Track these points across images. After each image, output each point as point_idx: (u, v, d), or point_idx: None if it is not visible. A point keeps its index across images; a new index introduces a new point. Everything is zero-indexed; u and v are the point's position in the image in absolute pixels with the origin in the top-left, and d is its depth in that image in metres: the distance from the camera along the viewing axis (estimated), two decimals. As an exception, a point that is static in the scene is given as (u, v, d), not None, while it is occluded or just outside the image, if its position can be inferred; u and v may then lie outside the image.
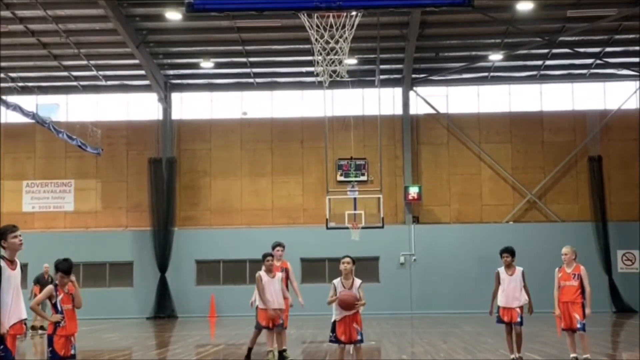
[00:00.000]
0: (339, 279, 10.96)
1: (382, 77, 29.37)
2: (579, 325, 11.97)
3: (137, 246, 30.86)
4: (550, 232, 29.16)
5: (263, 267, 13.36)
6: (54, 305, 8.71)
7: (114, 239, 30.97)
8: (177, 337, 22.28)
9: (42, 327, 21.74)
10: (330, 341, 11.02)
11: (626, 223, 30.29)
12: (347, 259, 10.94)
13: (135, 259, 30.95)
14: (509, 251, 12.75)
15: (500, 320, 12.83)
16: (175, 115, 32.11)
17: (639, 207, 30.64)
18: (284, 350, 13.54)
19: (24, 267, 8.49)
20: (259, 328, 13.44)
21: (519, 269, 12.74)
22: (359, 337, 10.87)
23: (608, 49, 29.47)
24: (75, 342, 8.96)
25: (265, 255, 13.44)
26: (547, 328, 18.55)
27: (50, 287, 8.81)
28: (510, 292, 12.67)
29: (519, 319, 12.62)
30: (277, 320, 13.25)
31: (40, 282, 23.15)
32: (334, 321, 10.86)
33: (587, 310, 12.00)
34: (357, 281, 10.98)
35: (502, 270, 12.81)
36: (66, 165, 31.84)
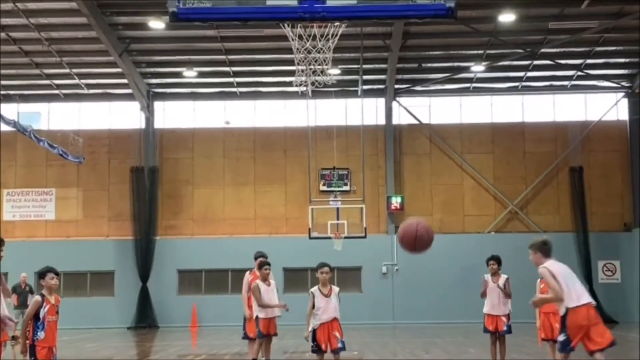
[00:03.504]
0: (316, 287, 11.04)
1: (365, 87, 29.46)
2: (560, 336, 12.01)
3: (118, 255, 30.71)
4: (532, 243, 29.24)
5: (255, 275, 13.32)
6: (37, 317, 8.63)
7: (95, 248, 30.80)
8: (159, 347, 22.18)
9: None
10: (313, 351, 11.00)
11: (607, 234, 30.49)
12: (326, 269, 11.02)
13: (116, 268, 30.79)
14: (495, 259, 12.85)
15: (486, 330, 12.86)
16: (158, 124, 32.04)
17: (619, 218, 30.90)
18: (269, 361, 13.49)
19: (5, 276, 8.47)
20: (261, 337, 13.22)
21: (503, 277, 12.82)
22: (339, 345, 10.91)
23: (589, 61, 29.70)
24: (56, 352, 8.91)
25: (263, 264, 13.17)
26: (529, 338, 18.61)
27: (37, 298, 8.75)
28: (495, 299, 12.73)
29: (505, 328, 12.66)
30: (273, 330, 13.24)
31: (17, 291, 22.93)
32: (314, 329, 10.86)
33: (569, 321, 12.03)
34: (335, 288, 11.09)
35: (488, 277, 12.90)
36: (47, 174, 31.65)
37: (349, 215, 27.76)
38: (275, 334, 13.34)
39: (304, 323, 11.05)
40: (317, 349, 10.86)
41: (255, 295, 12.98)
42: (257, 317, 13.09)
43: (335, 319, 10.95)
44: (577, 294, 8.44)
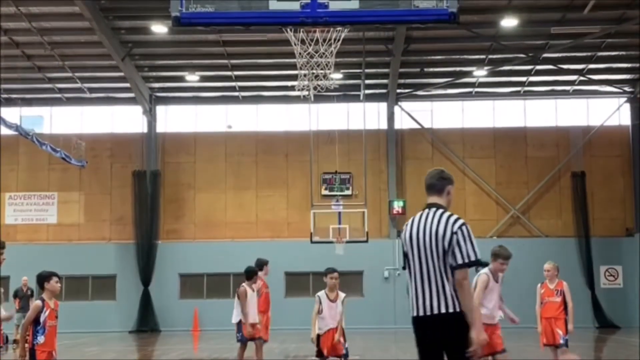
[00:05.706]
0: (323, 291, 10.99)
1: (367, 91, 29.44)
2: (561, 341, 12.01)
3: (120, 259, 30.71)
4: (534, 248, 29.19)
5: (248, 282, 13.34)
6: (37, 321, 8.64)
7: (97, 251, 30.80)
8: (160, 351, 22.17)
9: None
10: (317, 356, 11.00)
11: (609, 239, 30.46)
12: (336, 274, 11.02)
13: (118, 272, 30.79)
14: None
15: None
16: (160, 128, 32.06)
17: (621, 223, 30.86)
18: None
19: (6, 280, 8.52)
20: (244, 341, 13.34)
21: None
22: (344, 352, 10.91)
23: (591, 66, 29.69)
24: (56, 356, 8.91)
25: (255, 270, 13.43)
26: (530, 343, 18.58)
27: (38, 303, 8.76)
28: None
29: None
30: (257, 333, 13.29)
31: (19, 295, 22.95)
32: (318, 335, 10.84)
33: (570, 326, 12.03)
34: (342, 294, 11.04)
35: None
36: (49, 178, 31.67)
37: (351, 220, 27.73)
38: (260, 338, 13.40)
39: (307, 327, 11.04)
40: (320, 354, 10.87)
41: (242, 300, 13.00)
42: (240, 321, 13.19)
43: (340, 326, 10.93)
44: None
